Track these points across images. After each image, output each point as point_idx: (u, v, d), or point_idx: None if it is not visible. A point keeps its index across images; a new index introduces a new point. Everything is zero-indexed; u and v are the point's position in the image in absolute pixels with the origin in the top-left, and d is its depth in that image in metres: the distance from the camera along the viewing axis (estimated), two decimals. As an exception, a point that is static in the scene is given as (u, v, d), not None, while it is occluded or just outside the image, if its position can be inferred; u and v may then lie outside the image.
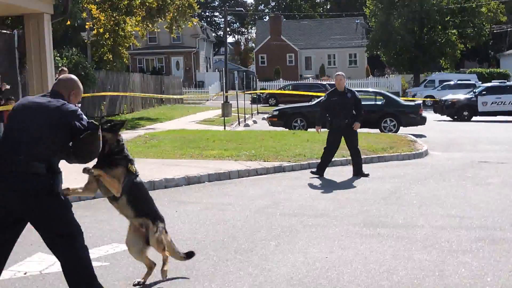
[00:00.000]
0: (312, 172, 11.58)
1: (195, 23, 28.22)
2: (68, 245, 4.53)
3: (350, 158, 13.31)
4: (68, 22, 23.14)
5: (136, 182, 5.32)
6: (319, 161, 11.81)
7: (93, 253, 6.12)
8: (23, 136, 4.45)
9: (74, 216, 4.64)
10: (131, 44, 29.63)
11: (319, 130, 12.30)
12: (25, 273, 5.53)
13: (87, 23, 27.35)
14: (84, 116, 4.62)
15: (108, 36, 27.21)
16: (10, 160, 4.37)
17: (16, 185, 4.37)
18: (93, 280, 4.65)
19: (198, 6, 28.20)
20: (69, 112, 4.51)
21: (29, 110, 4.54)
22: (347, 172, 12.02)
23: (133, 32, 28.88)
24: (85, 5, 25.37)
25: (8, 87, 12.39)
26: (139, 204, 5.35)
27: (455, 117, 28.64)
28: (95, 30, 26.71)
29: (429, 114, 25.37)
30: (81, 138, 4.53)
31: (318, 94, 25.61)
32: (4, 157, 4.40)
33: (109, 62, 29.22)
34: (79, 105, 4.96)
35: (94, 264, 5.74)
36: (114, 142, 5.18)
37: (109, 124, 5.11)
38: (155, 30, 31.68)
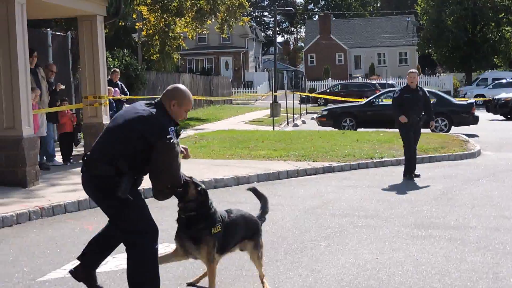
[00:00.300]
0: (415, 176, 11.17)
1: (246, 22, 28.26)
2: (131, 242, 4.61)
3: (402, 158, 13.18)
4: (121, 23, 23.50)
5: (223, 234, 4.85)
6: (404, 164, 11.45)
7: (145, 252, 6.23)
8: (104, 138, 4.68)
9: (146, 214, 4.66)
10: (179, 45, 29.88)
11: (404, 119, 11.21)
12: (78, 272, 5.64)
13: (137, 24, 27.75)
14: (169, 134, 4.41)
15: (157, 37, 27.53)
16: (91, 159, 4.61)
17: (89, 184, 4.69)
18: (152, 281, 4.64)
19: (249, 3, 28.25)
20: (146, 124, 4.45)
21: (121, 115, 4.68)
22: (397, 172, 11.88)
23: (182, 33, 29.15)
24: (135, 7, 25.74)
25: (63, 87, 12.67)
26: (229, 241, 4.98)
27: (509, 116, 27.95)
28: (145, 31, 27.06)
29: (481, 114, 24.83)
30: (154, 154, 4.41)
31: (356, 99, 25.37)
32: (89, 156, 4.64)
33: (158, 63, 29.58)
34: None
35: (146, 263, 5.84)
36: (194, 204, 4.76)
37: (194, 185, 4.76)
38: (204, 32, 31.91)
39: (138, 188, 4.86)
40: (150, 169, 4.52)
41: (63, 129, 12.51)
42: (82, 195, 8.84)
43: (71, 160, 12.50)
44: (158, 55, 28.11)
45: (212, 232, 4.76)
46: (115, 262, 5.92)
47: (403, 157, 13.14)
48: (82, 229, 7.41)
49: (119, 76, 15.39)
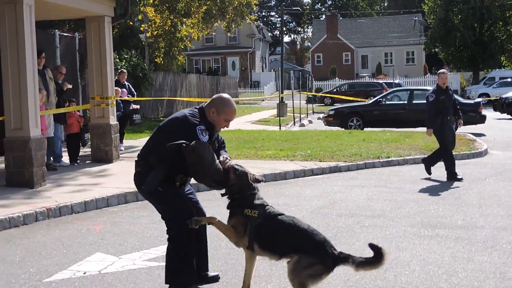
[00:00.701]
0: (459, 180, 10.63)
1: (252, 21, 28.18)
2: (168, 228, 5.01)
3: (409, 157, 13.16)
4: (130, 23, 23.49)
5: (262, 223, 4.66)
6: (445, 165, 10.98)
7: (151, 253, 6.25)
8: (150, 138, 5.08)
9: (181, 203, 4.96)
10: (185, 46, 29.82)
11: (431, 133, 11.10)
12: (84, 273, 5.66)
13: (142, 25, 27.76)
14: (199, 133, 4.68)
15: (163, 38, 27.48)
16: (136, 160, 5.07)
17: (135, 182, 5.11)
18: (184, 271, 4.88)
19: (256, 2, 28.18)
20: (180, 125, 4.80)
21: (168, 118, 5.07)
22: (404, 172, 11.88)
23: (188, 34, 29.13)
24: (142, 8, 25.76)
25: (70, 86, 12.69)
26: (276, 244, 4.68)
27: (516, 115, 27.86)
28: (150, 32, 27.03)
29: (488, 113, 24.75)
30: (185, 154, 4.63)
31: (360, 99, 25.32)
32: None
33: (164, 64, 29.58)
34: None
35: (151, 264, 5.87)
36: (237, 188, 4.82)
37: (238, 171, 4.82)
38: (210, 33, 31.92)
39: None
40: (189, 171, 4.83)
41: (70, 129, 12.54)
42: (89, 195, 8.88)
43: (78, 161, 12.53)
44: (163, 56, 28.06)
45: (245, 212, 4.72)
46: (122, 263, 5.93)
47: (410, 157, 13.16)
48: (88, 229, 7.43)
49: (126, 76, 15.42)
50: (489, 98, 32.81)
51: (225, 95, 5.07)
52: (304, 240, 4.54)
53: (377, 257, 4.51)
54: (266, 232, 4.65)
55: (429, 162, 11.34)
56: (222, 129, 5.05)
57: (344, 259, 4.51)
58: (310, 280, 4.48)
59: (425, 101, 22.22)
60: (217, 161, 4.77)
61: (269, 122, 26.36)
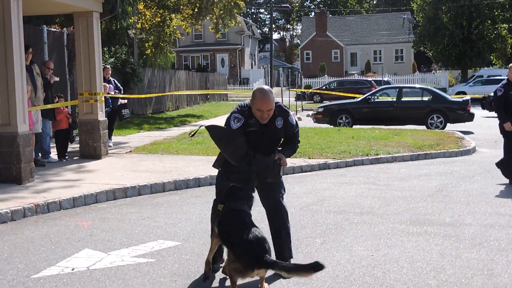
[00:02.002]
0: None
1: (238, 23, 28.08)
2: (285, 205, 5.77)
3: (397, 155, 13.21)
4: (125, 24, 23.36)
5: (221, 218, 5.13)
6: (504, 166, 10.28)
7: (139, 250, 6.24)
8: None
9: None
10: (175, 38, 29.56)
11: (509, 127, 10.14)
12: (72, 269, 5.63)
13: (131, 18, 27.62)
14: (231, 120, 5.41)
15: (152, 31, 27.28)
16: None
17: None
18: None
19: (244, 3, 28.14)
20: None
21: None
22: (393, 169, 11.91)
23: (177, 27, 28.94)
24: (131, 1, 25.67)
25: (57, 79, 12.59)
26: (222, 236, 5.10)
27: (504, 113, 28.00)
28: (139, 24, 26.87)
29: (477, 111, 24.88)
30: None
31: (353, 94, 25.38)
32: None
33: (153, 60, 29.44)
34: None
35: (140, 260, 5.85)
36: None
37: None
38: (199, 28, 31.85)
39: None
40: None
41: (59, 125, 12.49)
42: (77, 192, 8.84)
43: (66, 157, 12.48)
44: (153, 49, 27.86)
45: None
46: (110, 259, 5.91)
47: (399, 154, 13.21)
48: (77, 226, 7.40)
49: (110, 72, 15.31)
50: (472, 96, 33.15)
51: (259, 87, 5.49)
52: (236, 237, 4.86)
53: (312, 266, 4.55)
54: (221, 225, 5.09)
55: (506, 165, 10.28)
56: (265, 118, 5.36)
57: (266, 264, 4.68)
58: (235, 274, 4.79)
59: (414, 99, 22.46)
60: (236, 146, 5.29)
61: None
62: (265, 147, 5.49)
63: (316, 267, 4.52)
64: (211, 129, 5.44)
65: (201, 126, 5.87)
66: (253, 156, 5.31)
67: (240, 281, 4.90)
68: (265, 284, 4.98)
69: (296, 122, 5.70)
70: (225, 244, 5.09)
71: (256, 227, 4.97)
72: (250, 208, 5.22)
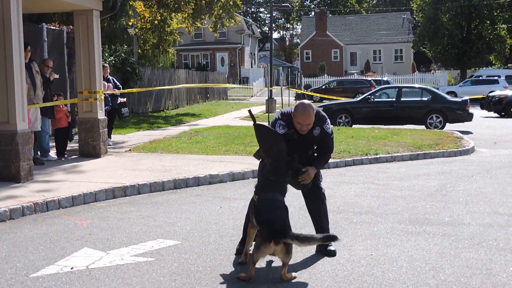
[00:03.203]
0: None
1: (236, 22, 28.05)
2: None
3: (397, 154, 13.21)
4: (124, 23, 23.35)
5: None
6: None
7: (139, 249, 6.24)
8: None
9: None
10: (174, 39, 29.55)
11: None
12: (71, 268, 5.62)
13: (131, 19, 27.62)
14: (277, 126, 5.84)
15: (151, 32, 27.27)
16: None
17: None
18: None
19: (242, 3, 28.15)
20: None
21: None
22: (392, 168, 11.92)
23: (178, 28, 28.91)
24: (131, 3, 25.62)
25: (56, 76, 12.55)
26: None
27: (503, 113, 28.09)
28: (139, 26, 26.84)
29: (476, 111, 24.91)
30: None
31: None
32: None
33: (153, 58, 29.44)
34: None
35: (139, 259, 5.85)
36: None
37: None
38: (200, 26, 31.86)
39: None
40: None
41: (59, 124, 12.48)
42: (76, 190, 8.84)
43: (66, 155, 12.47)
44: (152, 49, 27.84)
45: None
46: (109, 258, 5.91)
47: (398, 154, 13.21)
48: (76, 224, 7.39)
49: (108, 70, 15.28)
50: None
51: (301, 103, 5.90)
52: (262, 218, 5.39)
53: (326, 238, 5.47)
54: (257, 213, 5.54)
55: None
56: (304, 131, 5.85)
57: (281, 233, 5.16)
58: (255, 252, 5.23)
59: (413, 99, 22.46)
60: (280, 149, 5.63)
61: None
62: (301, 152, 6.00)
63: (329, 238, 5.39)
64: (260, 128, 5.81)
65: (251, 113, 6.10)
66: (292, 161, 5.77)
67: (261, 263, 5.45)
68: (286, 272, 5.27)
69: (332, 130, 6.10)
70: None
71: (284, 210, 5.49)
72: (284, 196, 5.67)
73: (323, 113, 6.03)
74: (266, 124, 6.07)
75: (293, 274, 5.36)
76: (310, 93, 36.61)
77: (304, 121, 5.79)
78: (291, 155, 5.80)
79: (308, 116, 5.78)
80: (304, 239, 5.25)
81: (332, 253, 5.99)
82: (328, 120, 6.06)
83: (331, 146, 6.17)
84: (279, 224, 5.23)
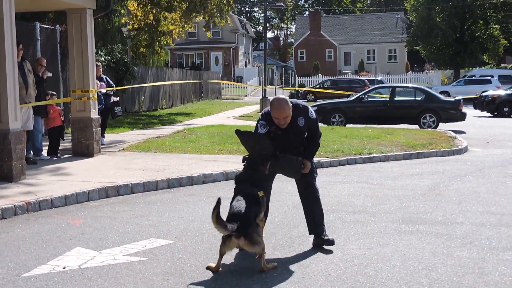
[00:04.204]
0: None
1: (228, 22, 27.95)
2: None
3: (388, 154, 13.23)
4: (117, 23, 23.26)
5: None
6: None
7: (132, 248, 6.22)
8: None
9: None
10: (167, 42, 29.40)
11: None
12: (64, 268, 5.59)
13: (123, 18, 27.53)
14: (258, 126, 6.09)
15: (144, 32, 27.11)
16: None
17: None
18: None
19: (235, 4, 28.11)
20: None
21: None
22: (385, 168, 11.93)
23: (169, 30, 28.80)
24: (124, 2, 25.53)
25: (50, 74, 12.49)
26: None
27: (495, 113, 28.19)
28: (131, 25, 26.71)
29: (469, 110, 24.97)
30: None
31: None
32: None
33: (145, 58, 29.34)
34: None
35: (132, 259, 5.84)
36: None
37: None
38: (191, 28, 31.77)
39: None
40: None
41: (53, 123, 12.44)
42: (69, 190, 8.81)
43: (58, 154, 12.43)
44: (144, 50, 27.67)
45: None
46: (102, 258, 5.89)
47: (391, 153, 13.23)
48: (68, 224, 7.37)
49: (101, 69, 15.21)
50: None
51: (275, 97, 6.11)
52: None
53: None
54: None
55: None
56: (282, 125, 6.01)
57: (236, 229, 5.31)
58: (221, 244, 5.42)
59: (407, 98, 22.50)
60: (263, 145, 5.85)
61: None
62: (292, 145, 6.18)
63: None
64: (242, 134, 6.02)
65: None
66: (278, 156, 5.95)
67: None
68: (264, 263, 5.47)
69: (316, 116, 6.31)
70: None
71: (252, 204, 5.60)
72: (260, 188, 5.81)
73: (304, 104, 6.24)
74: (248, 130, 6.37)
75: (274, 264, 5.58)
76: (310, 89, 36.33)
77: (280, 115, 5.95)
78: (282, 151, 6.01)
79: (283, 110, 5.93)
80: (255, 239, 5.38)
81: (331, 242, 6.18)
82: (311, 108, 6.26)
83: (319, 133, 6.40)
84: (240, 221, 5.36)
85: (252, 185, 5.77)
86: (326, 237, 6.20)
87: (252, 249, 5.37)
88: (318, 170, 11.60)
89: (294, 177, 6.33)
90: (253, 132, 6.11)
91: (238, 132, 6.01)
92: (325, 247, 6.12)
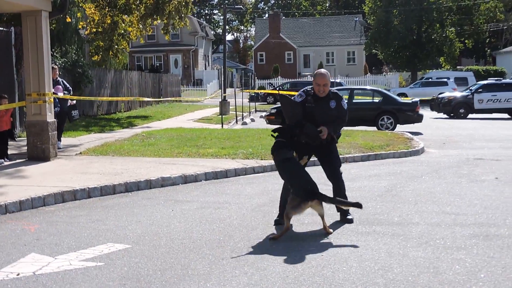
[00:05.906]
0: None
1: (187, 25, 27.77)
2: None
3: (348, 155, 13.34)
4: (68, 19, 22.92)
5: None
6: None
7: (88, 253, 6.14)
8: None
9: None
10: (124, 46, 29.04)
11: None
12: (17, 274, 5.49)
13: (80, 23, 27.12)
14: (296, 96, 7.55)
15: (102, 36, 26.72)
16: None
17: None
18: None
19: (194, 6, 27.99)
20: None
21: None
22: (344, 170, 11.98)
23: (127, 33, 28.47)
24: (81, 4, 25.18)
25: None
26: None
27: (452, 114, 28.72)
28: (88, 29, 26.36)
29: (426, 112, 25.38)
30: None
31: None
32: None
33: (105, 62, 28.97)
34: None
35: (88, 264, 5.77)
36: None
37: None
38: (150, 32, 31.53)
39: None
40: None
41: (6, 126, 12.18)
42: (24, 195, 8.65)
43: (7, 159, 12.15)
44: (102, 54, 27.24)
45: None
46: (57, 264, 5.80)
47: (350, 155, 13.35)
48: (23, 230, 7.24)
49: (58, 72, 14.98)
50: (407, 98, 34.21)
51: (319, 70, 7.60)
52: (295, 180, 7.26)
53: (354, 204, 7.11)
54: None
55: None
56: (321, 93, 7.36)
57: (318, 195, 6.96)
58: (292, 210, 6.79)
59: (365, 100, 22.76)
60: (294, 112, 7.30)
61: (212, 120, 26.29)
62: (319, 120, 7.25)
63: (356, 205, 6.97)
64: (284, 97, 7.64)
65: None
66: (304, 124, 7.14)
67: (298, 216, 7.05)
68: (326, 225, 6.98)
69: (347, 108, 7.56)
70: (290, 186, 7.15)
71: (306, 171, 7.23)
72: (293, 152, 7.29)
73: (341, 95, 7.62)
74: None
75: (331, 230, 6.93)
76: (270, 92, 36.36)
77: (321, 81, 7.31)
78: (311, 122, 7.20)
79: (325, 77, 7.32)
80: (334, 202, 7.28)
81: (350, 221, 7.42)
82: (344, 100, 7.58)
83: (345, 119, 7.54)
84: (313, 186, 6.99)
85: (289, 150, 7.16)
86: (348, 216, 7.57)
87: (321, 210, 6.92)
88: (277, 173, 11.66)
89: (315, 143, 7.32)
90: (291, 99, 7.46)
91: (281, 95, 7.80)
92: (349, 216, 7.52)
